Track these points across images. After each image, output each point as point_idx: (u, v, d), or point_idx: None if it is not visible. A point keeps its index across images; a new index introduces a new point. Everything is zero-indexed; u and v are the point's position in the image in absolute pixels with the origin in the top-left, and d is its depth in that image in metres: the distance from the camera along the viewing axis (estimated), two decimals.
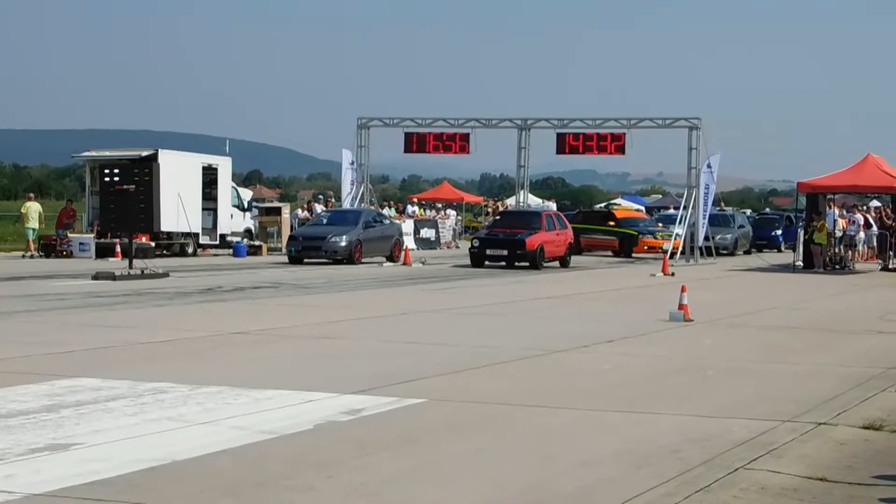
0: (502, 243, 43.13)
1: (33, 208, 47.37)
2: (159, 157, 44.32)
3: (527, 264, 42.32)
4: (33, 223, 46.88)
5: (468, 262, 43.48)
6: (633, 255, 54.67)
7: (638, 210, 68.03)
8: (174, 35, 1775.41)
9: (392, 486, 9.18)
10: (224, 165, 50.78)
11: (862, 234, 48.03)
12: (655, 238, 55.02)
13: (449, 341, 18.92)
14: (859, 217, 47.84)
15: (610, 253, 55.47)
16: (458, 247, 63.31)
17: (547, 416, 12.36)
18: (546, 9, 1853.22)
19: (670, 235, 53.05)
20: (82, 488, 8.79)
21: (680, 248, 51.56)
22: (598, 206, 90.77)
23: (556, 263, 44.30)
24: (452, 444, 10.80)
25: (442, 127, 55.74)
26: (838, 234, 45.91)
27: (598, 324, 22.46)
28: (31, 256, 45.39)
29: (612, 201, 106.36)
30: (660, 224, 55.77)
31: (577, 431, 11.62)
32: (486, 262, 42.86)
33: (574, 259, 46.87)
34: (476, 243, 44.29)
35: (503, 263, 42.68)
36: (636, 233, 55.78)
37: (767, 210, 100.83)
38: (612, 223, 57.25)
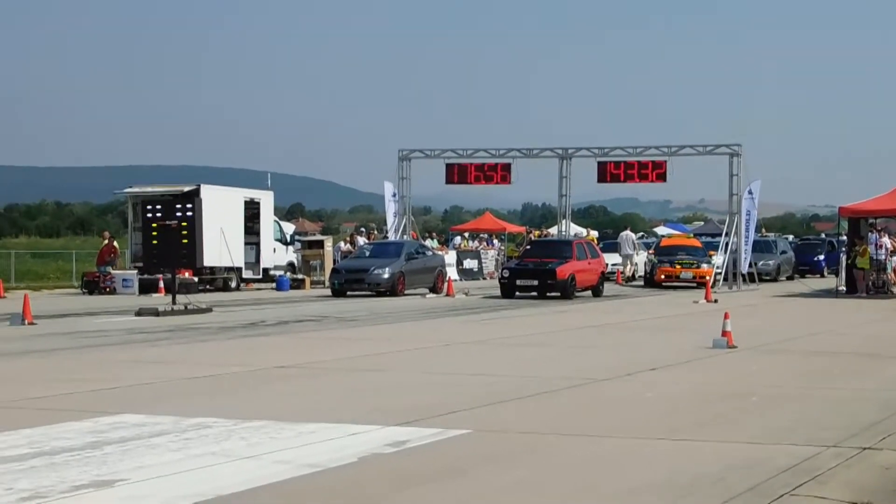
0: (533, 273, 42.49)
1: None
2: (201, 192, 44.57)
3: (558, 294, 41.80)
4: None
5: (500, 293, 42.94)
6: (658, 284, 51.44)
7: (691, 237, 66.54)
8: (214, 70, 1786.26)
9: None
10: (266, 199, 51.04)
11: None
12: (672, 267, 51.87)
13: (491, 372, 18.93)
14: (886, 241, 46.77)
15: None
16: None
17: (590, 445, 12.34)
18: (585, 39, 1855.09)
19: (691, 264, 51.92)
20: None
21: (722, 276, 51.19)
22: (639, 233, 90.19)
23: (589, 293, 43.91)
24: (496, 475, 10.78)
25: (483, 157, 55.73)
26: (880, 258, 45.53)
27: (641, 352, 22.40)
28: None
29: (654, 229, 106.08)
30: (712, 253, 53.97)
31: (620, 460, 11.60)
32: (517, 293, 42.32)
33: (607, 288, 46.52)
34: (506, 274, 43.60)
35: (534, 294, 42.18)
36: (656, 261, 52.94)
37: (810, 235, 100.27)
38: (651, 252, 56.81)
